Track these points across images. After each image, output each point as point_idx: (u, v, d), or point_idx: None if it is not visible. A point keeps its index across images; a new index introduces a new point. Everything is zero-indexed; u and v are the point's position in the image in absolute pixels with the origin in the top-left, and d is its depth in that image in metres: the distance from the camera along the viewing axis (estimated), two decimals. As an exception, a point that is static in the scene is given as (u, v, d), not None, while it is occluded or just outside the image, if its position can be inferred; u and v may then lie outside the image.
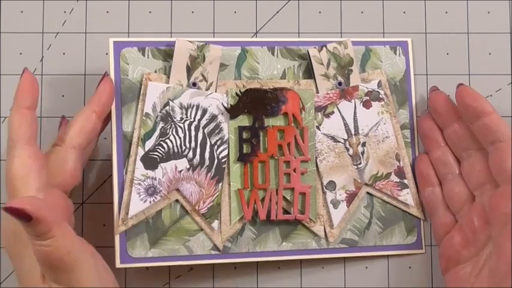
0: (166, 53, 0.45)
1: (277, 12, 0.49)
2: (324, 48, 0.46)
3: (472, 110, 0.42)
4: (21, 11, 0.48)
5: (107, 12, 0.48)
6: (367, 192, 0.46)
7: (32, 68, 0.48)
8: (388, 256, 0.47)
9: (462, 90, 0.43)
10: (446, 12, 0.50)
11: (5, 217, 0.38)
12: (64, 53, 0.48)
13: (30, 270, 0.37)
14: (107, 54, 0.46)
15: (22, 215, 0.34)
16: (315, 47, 0.46)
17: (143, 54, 0.45)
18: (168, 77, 0.45)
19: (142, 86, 0.44)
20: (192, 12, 0.49)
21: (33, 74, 0.44)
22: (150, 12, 0.48)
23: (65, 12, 0.48)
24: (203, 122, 0.44)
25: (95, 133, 0.42)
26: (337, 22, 0.49)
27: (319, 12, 0.49)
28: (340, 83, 0.46)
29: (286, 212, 0.45)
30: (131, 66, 0.45)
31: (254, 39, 0.47)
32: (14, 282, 0.45)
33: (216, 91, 0.45)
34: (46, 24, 0.48)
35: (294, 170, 0.44)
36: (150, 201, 0.43)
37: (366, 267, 0.47)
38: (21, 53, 0.48)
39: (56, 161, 0.40)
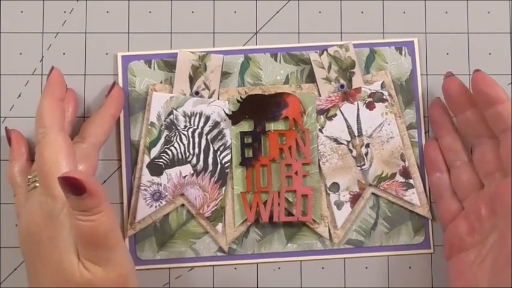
0: (171, 64, 0.48)
1: (277, 12, 0.51)
2: (325, 52, 0.48)
3: (486, 96, 0.43)
4: (21, 11, 0.50)
5: (107, 12, 0.50)
6: (373, 193, 0.48)
7: (32, 68, 0.49)
8: (388, 256, 0.49)
9: (478, 76, 0.43)
10: (446, 12, 0.51)
11: (41, 201, 0.40)
12: (64, 53, 0.50)
13: (64, 250, 0.38)
14: (107, 54, 0.50)
15: (78, 186, 0.36)
16: (315, 51, 0.49)
17: (149, 67, 0.49)
18: (172, 87, 0.48)
19: (148, 97, 0.48)
20: (192, 12, 0.50)
21: (33, 74, 0.49)
22: (150, 12, 0.50)
23: (65, 12, 0.50)
24: (206, 129, 0.48)
25: (110, 132, 0.47)
26: (337, 22, 0.51)
27: (319, 12, 0.51)
28: (342, 86, 0.49)
29: (289, 214, 0.47)
30: (138, 78, 0.49)
31: (257, 46, 0.50)
32: (14, 282, 0.48)
33: (218, 99, 0.48)
34: (46, 24, 0.50)
35: (296, 173, 0.47)
36: (156, 206, 0.47)
37: (366, 267, 0.49)
38: (21, 53, 0.50)
39: (80, 156, 0.43)
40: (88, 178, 0.36)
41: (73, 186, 0.36)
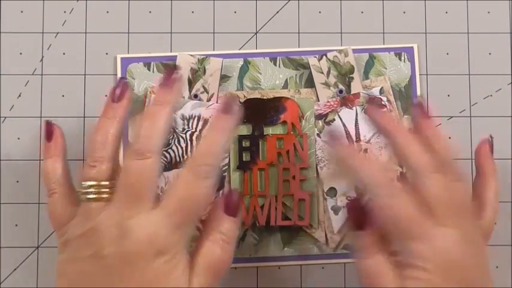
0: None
1: (277, 12, 0.52)
2: (324, 57, 0.50)
3: None
4: (21, 11, 0.51)
5: (107, 12, 0.52)
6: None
7: (32, 68, 0.51)
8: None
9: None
10: (446, 12, 0.53)
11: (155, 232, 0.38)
12: (64, 53, 0.51)
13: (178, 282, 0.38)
14: (107, 54, 0.51)
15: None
16: (315, 56, 0.50)
17: (148, 69, 0.50)
18: (171, 90, 0.50)
19: (146, 99, 0.50)
20: (192, 12, 0.52)
21: (33, 74, 0.50)
22: (150, 12, 0.52)
23: (65, 12, 0.52)
24: (204, 132, 0.49)
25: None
26: (337, 22, 0.52)
27: (319, 12, 0.52)
28: (341, 91, 0.50)
29: (286, 218, 0.49)
30: (137, 81, 0.50)
31: (256, 50, 0.51)
32: (14, 282, 0.49)
33: (217, 102, 0.50)
34: (46, 24, 0.51)
35: (293, 177, 0.49)
36: (153, 208, 0.49)
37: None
38: (21, 53, 0.51)
39: None
40: None
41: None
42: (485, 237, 0.42)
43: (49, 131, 0.43)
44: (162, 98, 0.40)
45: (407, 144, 0.39)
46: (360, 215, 0.39)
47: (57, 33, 0.52)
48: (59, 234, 0.41)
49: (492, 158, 0.45)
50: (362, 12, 0.53)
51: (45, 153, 0.43)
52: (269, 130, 0.50)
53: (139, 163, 0.38)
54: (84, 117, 0.51)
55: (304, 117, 0.50)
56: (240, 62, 0.51)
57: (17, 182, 0.50)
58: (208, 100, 0.50)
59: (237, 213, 0.40)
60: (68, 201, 0.42)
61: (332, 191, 0.50)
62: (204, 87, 0.50)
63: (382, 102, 0.50)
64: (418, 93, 0.51)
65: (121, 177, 0.39)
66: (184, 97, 0.50)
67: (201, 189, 0.38)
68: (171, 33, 0.52)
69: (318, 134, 0.50)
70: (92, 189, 0.39)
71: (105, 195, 0.39)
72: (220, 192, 0.41)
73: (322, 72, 0.50)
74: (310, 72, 0.51)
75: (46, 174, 0.42)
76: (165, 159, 0.49)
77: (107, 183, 0.39)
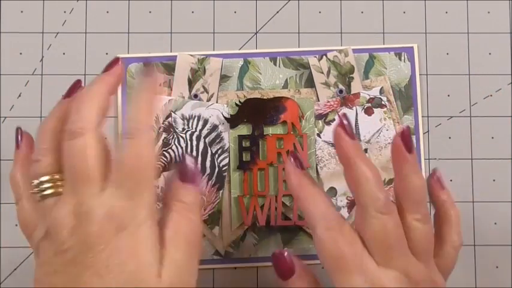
0: (170, 67, 0.50)
1: (277, 12, 0.52)
2: (324, 57, 0.50)
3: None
4: (21, 11, 0.52)
5: (107, 12, 0.52)
6: (370, 198, 0.51)
7: (32, 68, 0.51)
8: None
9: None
10: (446, 12, 0.53)
11: (116, 206, 0.35)
12: (64, 53, 0.51)
13: (144, 264, 0.35)
14: (107, 54, 0.51)
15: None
16: (315, 56, 0.50)
17: None
18: (171, 90, 0.50)
19: None
20: (192, 12, 0.52)
21: (33, 74, 0.50)
22: (150, 12, 0.52)
23: (65, 12, 0.52)
24: (204, 132, 0.50)
25: None
26: (337, 22, 0.52)
27: (319, 12, 0.52)
28: (341, 91, 0.50)
29: (286, 218, 0.49)
30: (137, 81, 0.50)
31: (256, 50, 0.51)
32: (14, 282, 0.49)
33: (217, 102, 0.50)
34: (46, 24, 0.52)
35: None
36: (153, 208, 0.49)
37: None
38: (21, 53, 0.51)
39: None
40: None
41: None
42: (445, 273, 0.40)
43: (16, 138, 0.42)
44: (103, 79, 0.38)
45: (368, 178, 0.36)
46: (283, 265, 0.41)
47: (57, 33, 0.52)
48: (30, 243, 0.39)
49: (445, 188, 0.41)
50: (362, 12, 0.53)
51: (14, 160, 0.42)
52: (269, 130, 0.50)
53: (73, 143, 0.35)
54: (84, 117, 0.51)
55: (304, 117, 0.50)
56: (240, 62, 0.51)
57: (17, 182, 0.50)
58: (208, 100, 0.50)
59: (195, 179, 0.37)
60: (34, 205, 0.39)
61: (332, 191, 0.50)
62: (204, 87, 0.50)
63: (383, 102, 0.50)
64: (418, 93, 0.51)
65: (63, 161, 0.36)
66: (184, 97, 0.50)
67: (143, 151, 0.35)
68: (171, 33, 0.52)
69: (318, 134, 0.50)
70: (43, 186, 0.37)
71: (59, 189, 0.37)
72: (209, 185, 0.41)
73: (322, 72, 0.51)
74: (310, 72, 0.51)
75: (13, 182, 0.41)
76: (165, 159, 0.49)
77: (54, 176, 0.37)
